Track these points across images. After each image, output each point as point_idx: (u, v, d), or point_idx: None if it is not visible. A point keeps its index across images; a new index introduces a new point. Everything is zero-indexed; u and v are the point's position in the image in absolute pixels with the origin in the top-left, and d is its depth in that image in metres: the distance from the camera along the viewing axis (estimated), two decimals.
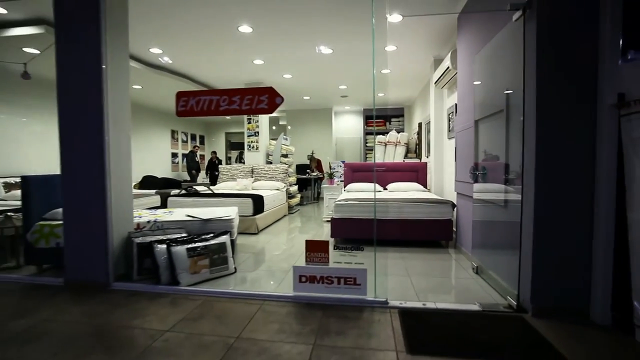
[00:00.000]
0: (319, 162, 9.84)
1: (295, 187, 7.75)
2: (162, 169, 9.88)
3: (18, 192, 4.97)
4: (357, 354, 1.82)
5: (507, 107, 2.60)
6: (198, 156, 10.44)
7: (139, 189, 7.23)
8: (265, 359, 1.78)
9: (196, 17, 4.21)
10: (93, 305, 2.49)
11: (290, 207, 7.15)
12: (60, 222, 3.18)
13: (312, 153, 9.85)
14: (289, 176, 7.17)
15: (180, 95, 2.69)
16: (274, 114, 6.82)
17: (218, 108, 2.61)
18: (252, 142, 7.39)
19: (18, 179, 5.53)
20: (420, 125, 7.90)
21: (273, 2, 3.82)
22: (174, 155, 10.54)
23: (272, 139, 8.30)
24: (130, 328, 2.14)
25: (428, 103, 6.44)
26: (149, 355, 1.83)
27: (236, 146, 8.80)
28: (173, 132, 10.49)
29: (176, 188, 6.70)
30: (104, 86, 2.78)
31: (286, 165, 7.10)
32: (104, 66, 2.78)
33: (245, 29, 4.50)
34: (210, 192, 5.72)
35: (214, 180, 9.54)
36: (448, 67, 4.44)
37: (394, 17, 4.04)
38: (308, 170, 9.37)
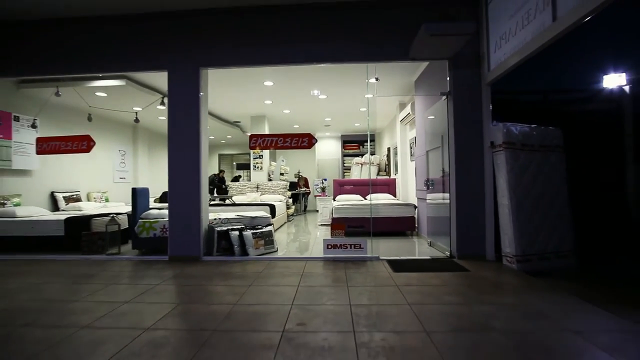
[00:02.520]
0: (306, 180, 11.62)
1: (291, 200, 9.44)
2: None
3: (75, 204, 6.33)
4: (370, 273, 3.59)
5: (442, 144, 4.58)
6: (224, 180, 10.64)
7: (159, 202, 8.55)
8: (325, 278, 3.49)
9: (235, 73, 5.88)
10: (204, 266, 4.05)
11: (288, 216, 8.81)
12: (153, 219, 4.71)
13: (299, 172, 11.63)
14: (287, 190, 8.87)
15: (252, 136, 4.41)
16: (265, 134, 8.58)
17: (277, 144, 4.36)
18: (257, 163, 9.05)
19: (73, 193, 6.83)
20: (389, 149, 9.98)
21: (294, 70, 5.66)
22: None
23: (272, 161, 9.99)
24: (233, 272, 3.75)
25: (395, 133, 8.51)
26: (259, 280, 3.46)
27: (241, 166, 10.35)
28: None
29: None
30: (201, 129, 4.43)
31: (286, 182, 8.81)
32: (202, 112, 4.44)
33: (268, 83, 6.30)
34: (232, 202, 7.28)
35: (221, 194, 10.83)
36: (409, 113, 6.50)
37: (372, 80, 6.04)
38: (298, 187, 11.09)
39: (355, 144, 12.97)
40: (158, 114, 8.04)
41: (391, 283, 3.24)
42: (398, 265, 3.89)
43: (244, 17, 4.38)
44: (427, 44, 3.80)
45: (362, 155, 10.96)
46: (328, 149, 13.60)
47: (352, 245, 4.28)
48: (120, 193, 8.70)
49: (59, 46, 4.59)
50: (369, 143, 7.91)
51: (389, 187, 7.97)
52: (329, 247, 4.29)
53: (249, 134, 4.38)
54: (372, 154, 11.70)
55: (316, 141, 4.39)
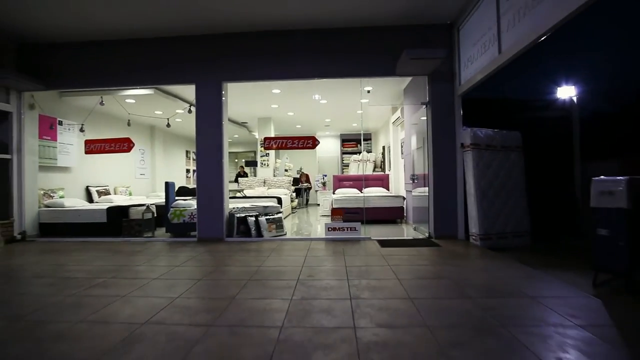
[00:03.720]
0: (307, 176, 12.54)
1: (294, 194, 10.37)
2: (180, 182, 12.06)
3: (106, 197, 7.25)
4: (362, 248, 4.52)
5: (424, 144, 5.50)
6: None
7: (176, 195, 9.46)
8: (326, 251, 4.42)
9: (248, 83, 6.78)
10: (227, 244, 4.98)
11: (292, 208, 9.74)
12: (182, 208, 5.63)
13: (301, 169, 12.55)
14: (291, 185, 9.79)
15: (266, 138, 5.32)
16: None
17: (286, 145, 5.27)
18: (264, 160, 9.97)
19: (104, 188, 7.75)
20: (384, 147, 10.90)
21: (301, 83, 6.55)
22: (187, 170, 12.77)
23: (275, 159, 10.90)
24: (252, 248, 4.68)
25: (389, 133, 9.43)
26: (274, 253, 4.38)
27: (248, 163, 11.28)
28: (187, 152, 12.76)
29: None
30: (223, 133, 5.34)
31: (290, 177, 9.73)
32: (224, 119, 5.34)
33: (276, 91, 7.20)
34: (243, 195, 8.21)
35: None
36: (399, 117, 7.41)
37: (367, 88, 6.95)
38: (300, 182, 12.02)
39: (353, 142, 13.89)
40: (174, 117, 8.93)
41: (378, 253, 4.18)
42: (385, 243, 4.82)
43: (258, 39, 5.28)
44: (408, 65, 4.71)
45: (359, 153, 11.87)
46: (328, 147, 14.51)
47: (349, 228, 5.21)
48: (141, 187, 9.63)
49: (102, 63, 5.48)
50: (362, 144, 8.80)
51: (383, 181, 8.90)
52: (330, 229, 5.22)
53: (263, 137, 5.30)
54: (369, 151, 12.63)
55: (319, 143, 5.32)
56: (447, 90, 5.11)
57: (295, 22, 5.04)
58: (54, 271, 3.57)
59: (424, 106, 5.32)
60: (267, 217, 5.55)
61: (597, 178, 3.03)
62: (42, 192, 6.13)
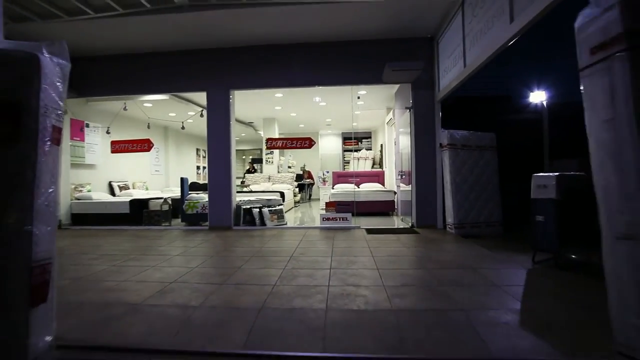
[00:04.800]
0: (309, 172, 13.24)
1: (297, 189, 11.09)
2: (191, 178, 12.89)
3: (127, 191, 8.06)
4: (350, 234, 5.22)
5: (409, 145, 6.16)
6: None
7: (189, 190, 10.26)
8: (319, 236, 5.13)
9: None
10: (235, 232, 5.72)
11: (295, 202, 10.47)
12: (195, 201, 6.39)
13: (304, 166, 13.25)
14: (294, 181, 10.51)
15: (269, 139, 6.04)
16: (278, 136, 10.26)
17: (286, 145, 5.98)
18: (268, 158, 10.71)
19: (124, 183, 8.57)
20: (382, 145, 11.53)
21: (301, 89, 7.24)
22: (197, 167, 13.60)
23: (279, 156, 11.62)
24: (256, 235, 5.42)
25: (385, 132, 10.06)
26: (275, 238, 5.11)
27: (256, 161, 12.06)
28: (197, 150, 13.58)
29: None
30: (231, 135, 6.07)
31: (293, 173, 10.45)
32: (231, 123, 6.07)
33: (279, 94, 7.90)
34: (249, 190, 8.97)
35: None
36: (392, 118, 8.05)
37: (362, 92, 7.61)
38: (303, 178, 12.74)
39: (354, 140, 14.53)
40: (187, 119, 9.70)
41: (363, 239, 4.88)
42: (372, 231, 5.52)
43: (261, 52, 5.98)
44: (392, 75, 5.37)
45: (358, 151, 12.53)
46: (330, 144, 15.18)
47: (341, 218, 5.91)
48: (156, 182, 10.45)
49: (125, 74, 6.25)
50: (360, 142, 9.40)
51: (379, 177, 9.56)
52: (324, 219, 5.93)
53: (266, 138, 6.02)
54: (369, 149, 13.28)
55: (315, 143, 6.02)
56: (428, 96, 5.75)
57: (294, 37, 5.72)
58: (94, 250, 4.36)
59: (408, 111, 5.97)
60: (270, 208, 6.28)
61: (536, 174, 3.67)
62: (73, 186, 6.96)
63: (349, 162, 14.03)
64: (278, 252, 4.07)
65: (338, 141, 15.00)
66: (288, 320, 2.15)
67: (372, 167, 12.14)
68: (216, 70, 6.06)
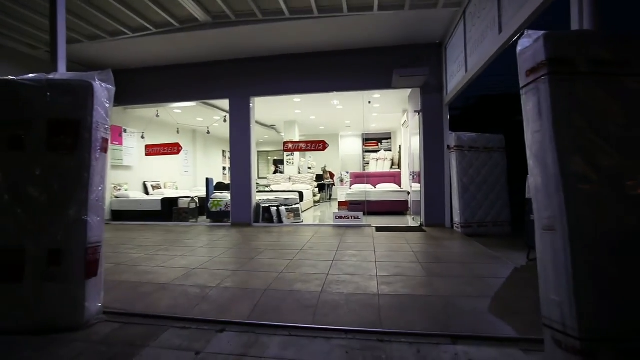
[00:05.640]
0: (331, 173, 13.62)
1: (317, 190, 11.51)
2: (217, 178, 13.65)
3: (159, 190, 8.77)
4: (360, 232, 5.56)
5: (419, 147, 6.40)
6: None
7: (215, 190, 10.95)
8: (330, 233, 5.51)
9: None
10: (254, 228, 6.22)
11: (314, 202, 10.89)
12: (219, 199, 6.95)
13: (325, 167, 13.65)
14: (314, 181, 10.94)
15: (285, 142, 6.50)
16: (300, 139, 10.71)
17: (301, 148, 6.40)
18: (289, 159, 11.21)
19: (157, 183, 9.33)
20: (400, 146, 11.71)
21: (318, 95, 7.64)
22: (224, 168, 14.37)
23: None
24: (272, 231, 5.87)
25: (402, 134, 10.26)
26: (289, 234, 5.54)
27: (278, 162, 12.63)
28: (223, 152, 14.36)
29: None
30: (251, 139, 6.57)
31: (312, 174, 10.88)
32: (251, 127, 6.58)
33: (297, 99, 8.35)
34: (270, 190, 9.50)
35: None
36: (405, 120, 8.27)
37: (376, 96, 7.89)
38: (324, 179, 13.15)
39: (374, 141, 14.75)
40: (212, 123, 10.38)
41: (370, 235, 5.20)
42: (381, 229, 5.82)
43: (279, 61, 6.43)
44: (400, 81, 5.64)
45: (377, 152, 12.78)
46: (351, 145, 15.47)
47: (353, 217, 6.25)
48: (185, 182, 11.24)
49: (157, 84, 6.93)
50: (362, 146, 9.64)
51: (395, 178, 9.78)
52: (337, 217, 6.29)
53: (283, 141, 6.48)
54: (389, 150, 13.48)
55: (328, 146, 6.41)
56: (436, 100, 5.97)
57: (308, 47, 6.13)
58: (130, 241, 4.98)
59: (417, 114, 6.21)
60: (287, 207, 6.73)
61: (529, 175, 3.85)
62: (112, 186, 7.75)
63: (369, 163, 14.30)
64: (289, 246, 4.49)
65: (358, 142, 15.28)
66: (287, 299, 2.55)
67: (391, 167, 12.33)
68: (237, 79, 6.58)
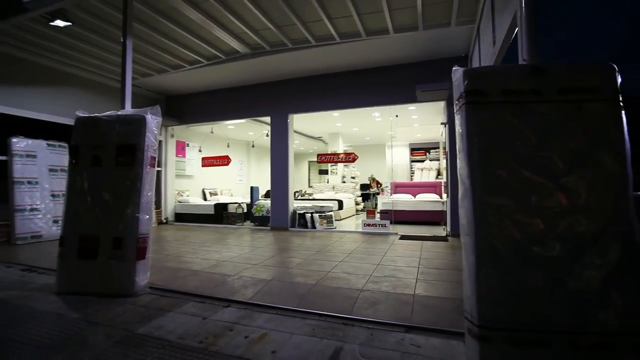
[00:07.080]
0: (378, 182, 13.87)
1: (360, 198, 11.90)
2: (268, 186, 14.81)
3: (216, 197, 9.92)
4: (384, 238, 5.88)
5: (446, 158, 6.50)
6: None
7: (264, 197, 11.98)
8: (356, 239, 5.92)
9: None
10: (289, 232, 6.89)
11: (356, 210, 11.28)
12: (262, 205, 7.77)
13: (372, 176, 13.95)
14: (356, 190, 11.36)
15: (319, 155, 7.11)
16: (346, 149, 11.21)
17: (333, 159, 6.94)
18: (333, 169, 11.81)
19: (214, 190, 10.58)
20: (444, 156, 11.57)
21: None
22: None
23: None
24: (304, 235, 6.45)
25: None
26: (317, 238, 6.07)
27: (323, 171, 13.35)
28: None
29: None
30: (289, 151, 7.30)
31: (355, 183, 11.31)
32: (289, 141, 7.31)
33: (336, 114, 8.93)
34: (310, 198, 10.16)
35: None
36: (442, 132, 8.33)
37: (412, 107, 8.12)
38: (370, 188, 13.45)
39: (422, 151, 14.65)
40: (261, 137, 11.44)
41: (391, 242, 5.51)
42: (405, 237, 6.06)
43: (313, 81, 7.10)
44: (424, 95, 5.90)
45: (423, 162, 12.74)
46: (398, 155, 15.53)
47: (380, 225, 6.57)
48: (240, 190, 12.48)
49: (212, 105, 8.07)
50: (409, 156, 9.74)
51: (436, 188, 9.75)
52: (365, 225, 6.67)
53: (317, 153, 7.12)
54: (436, 160, 13.32)
55: (357, 157, 6.85)
56: None
57: (338, 66, 6.70)
58: (183, 238, 5.98)
59: (444, 125, 6.35)
60: (320, 214, 7.29)
61: None
62: (176, 192, 9.10)
63: (414, 172, 14.24)
64: (310, 248, 5.04)
65: (406, 152, 15.29)
66: (285, 288, 3.10)
67: (437, 177, 12.18)
68: (276, 98, 7.40)
